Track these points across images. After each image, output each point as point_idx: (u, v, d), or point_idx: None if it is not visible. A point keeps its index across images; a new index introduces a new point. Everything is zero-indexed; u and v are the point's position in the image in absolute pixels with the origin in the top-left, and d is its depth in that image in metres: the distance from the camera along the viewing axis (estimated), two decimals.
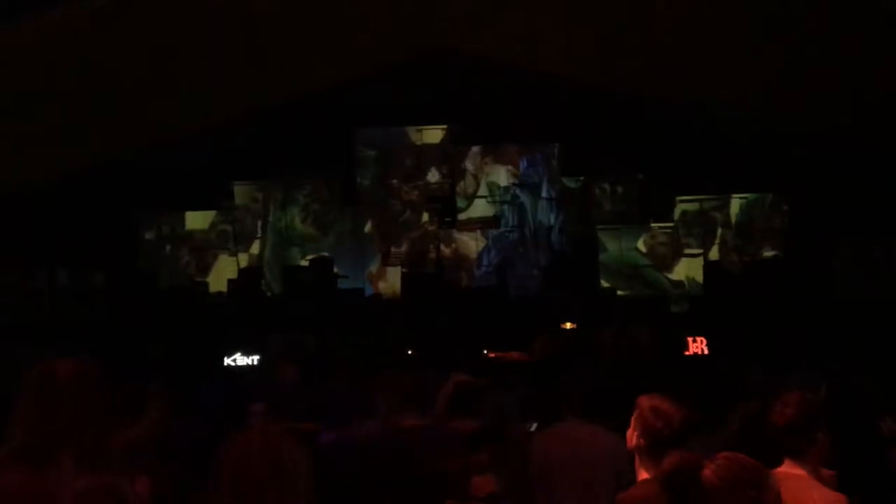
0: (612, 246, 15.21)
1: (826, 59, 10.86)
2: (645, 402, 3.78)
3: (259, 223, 15.54)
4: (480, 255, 15.64)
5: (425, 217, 15.74)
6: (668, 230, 15.27)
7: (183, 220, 15.43)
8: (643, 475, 3.71)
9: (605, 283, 14.97)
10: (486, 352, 11.67)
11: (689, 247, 15.21)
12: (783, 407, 3.51)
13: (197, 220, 15.49)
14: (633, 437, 3.77)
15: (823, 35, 10.36)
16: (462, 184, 15.85)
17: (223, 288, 14.73)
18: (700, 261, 15.00)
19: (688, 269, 15.07)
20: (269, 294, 14.80)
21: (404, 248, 15.69)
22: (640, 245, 15.21)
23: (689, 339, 12.10)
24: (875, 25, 9.86)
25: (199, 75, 11.70)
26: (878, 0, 9.59)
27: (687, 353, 12.05)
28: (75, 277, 13.50)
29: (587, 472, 4.35)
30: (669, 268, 15.17)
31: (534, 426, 5.93)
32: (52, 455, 2.50)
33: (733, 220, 15.26)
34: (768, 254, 15.01)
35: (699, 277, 14.64)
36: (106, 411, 2.62)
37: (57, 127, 11.18)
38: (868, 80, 10.90)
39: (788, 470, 3.37)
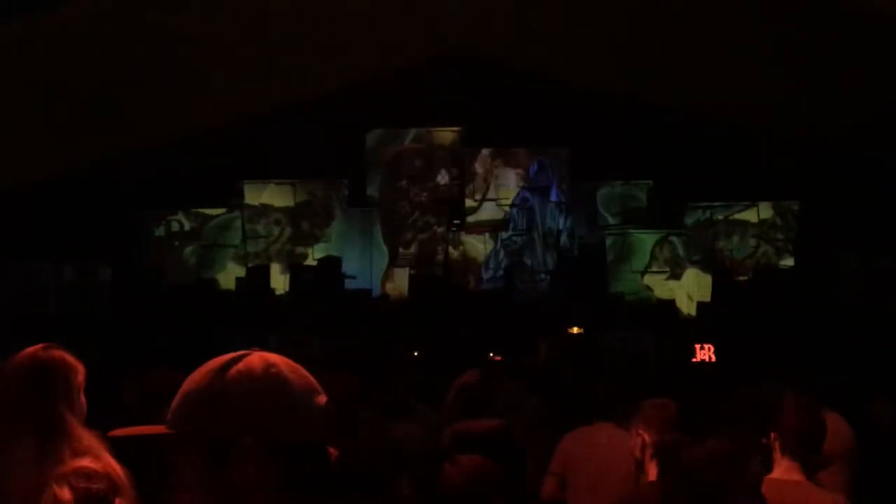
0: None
1: (836, 69, 10.83)
2: (646, 404, 3.80)
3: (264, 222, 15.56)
4: (488, 257, 15.62)
5: (434, 219, 15.73)
6: (678, 236, 15.24)
7: (192, 217, 15.45)
8: (651, 477, 3.74)
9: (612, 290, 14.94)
10: (491, 354, 11.66)
11: (698, 254, 15.17)
12: (798, 412, 3.50)
13: (206, 218, 15.51)
14: (638, 440, 3.81)
15: (832, 45, 10.33)
16: (471, 186, 15.83)
17: (231, 286, 14.75)
18: (708, 268, 14.96)
19: (696, 276, 15.03)
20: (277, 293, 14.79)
21: (412, 249, 15.69)
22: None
23: (697, 346, 12.06)
24: (883, 35, 9.82)
25: (210, 74, 11.72)
26: (887, 14, 9.55)
27: (694, 359, 12.01)
28: (81, 272, 13.52)
29: (600, 472, 4.39)
30: (678, 276, 15.14)
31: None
32: (12, 443, 2.50)
33: (743, 227, 15.22)
34: (777, 262, 14.97)
35: (708, 285, 14.58)
36: (65, 396, 2.60)
37: (65, 123, 11.21)
38: (877, 89, 10.87)
39: (786, 476, 3.37)
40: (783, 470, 3.38)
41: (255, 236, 15.51)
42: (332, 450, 1.46)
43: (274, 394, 1.42)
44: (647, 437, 3.80)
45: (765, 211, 15.17)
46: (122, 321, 12.67)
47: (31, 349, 2.69)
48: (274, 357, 1.47)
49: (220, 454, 1.39)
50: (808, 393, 3.71)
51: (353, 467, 3.41)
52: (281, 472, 1.40)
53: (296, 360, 1.54)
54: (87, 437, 2.52)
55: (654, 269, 15.19)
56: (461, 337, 12.06)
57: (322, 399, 1.47)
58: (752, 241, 15.17)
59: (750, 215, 15.24)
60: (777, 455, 3.39)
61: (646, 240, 15.24)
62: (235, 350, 1.52)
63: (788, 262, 14.90)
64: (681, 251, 15.23)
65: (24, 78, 10.00)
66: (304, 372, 1.48)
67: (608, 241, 15.27)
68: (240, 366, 1.43)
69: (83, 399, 2.69)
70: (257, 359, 1.45)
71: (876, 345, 10.48)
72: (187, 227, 15.42)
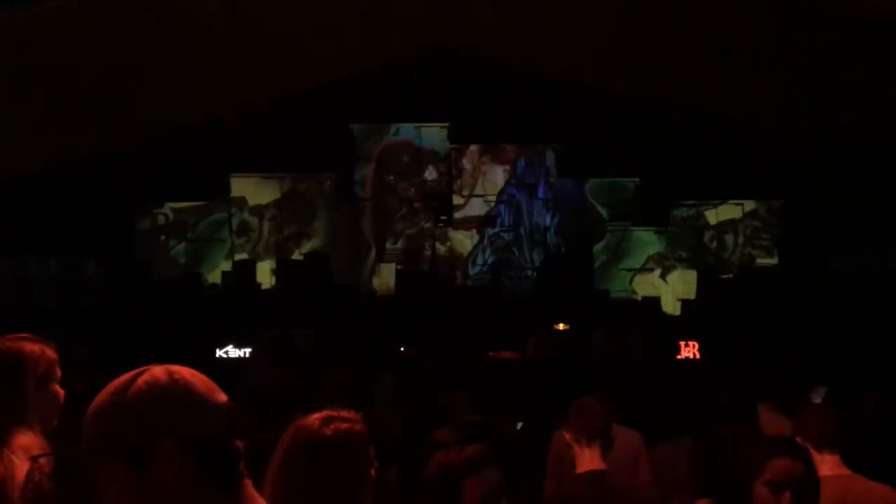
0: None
1: (825, 68, 10.89)
2: (574, 403, 4.08)
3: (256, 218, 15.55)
4: (475, 253, 15.65)
5: (421, 215, 15.75)
6: (665, 234, 15.31)
7: (178, 211, 15.42)
8: (582, 467, 3.93)
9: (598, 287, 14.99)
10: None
11: (684, 251, 15.24)
12: (822, 413, 3.69)
13: (192, 211, 15.48)
14: (568, 434, 4.03)
15: (821, 43, 10.39)
16: (459, 182, 15.86)
17: (217, 280, 14.73)
18: (693, 266, 15.02)
19: (682, 275, 15.09)
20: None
21: (400, 244, 15.70)
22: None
23: (682, 343, 12.12)
24: (869, 34, 9.89)
25: (200, 68, 11.68)
26: (875, 13, 9.62)
27: (679, 356, 12.07)
28: (67, 266, 13.48)
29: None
30: (668, 272, 15.20)
31: (520, 425, 5.96)
32: None
33: (728, 225, 15.29)
34: (763, 260, 15.05)
35: (693, 283, 14.65)
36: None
37: (52, 116, 11.16)
38: (865, 89, 10.93)
39: (836, 472, 3.49)
40: (827, 467, 3.50)
41: (241, 230, 15.49)
42: (238, 443, 1.60)
43: (181, 396, 1.56)
44: (567, 436, 3.97)
45: (750, 209, 15.25)
46: (108, 315, 12.63)
47: None
48: (173, 367, 1.60)
49: (140, 460, 1.51)
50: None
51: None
52: (198, 468, 1.54)
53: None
54: (24, 438, 2.53)
55: (645, 266, 15.28)
56: (448, 332, 12.07)
57: (223, 397, 1.60)
58: (738, 239, 15.25)
59: (735, 213, 15.31)
60: (815, 454, 3.52)
61: (643, 237, 15.28)
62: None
63: (773, 259, 14.98)
64: (667, 249, 15.30)
65: (10, 73, 9.96)
66: (202, 376, 1.62)
67: (606, 237, 15.32)
68: (144, 377, 1.57)
69: (54, 388, 2.69)
70: (159, 369, 1.59)
71: (863, 341, 10.57)
72: (173, 219, 15.38)
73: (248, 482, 1.62)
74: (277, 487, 2.21)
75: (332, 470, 2.30)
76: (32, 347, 2.70)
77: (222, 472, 1.57)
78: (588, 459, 3.89)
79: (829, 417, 3.66)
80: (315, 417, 2.38)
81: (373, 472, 2.39)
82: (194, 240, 15.37)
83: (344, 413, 2.42)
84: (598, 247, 15.35)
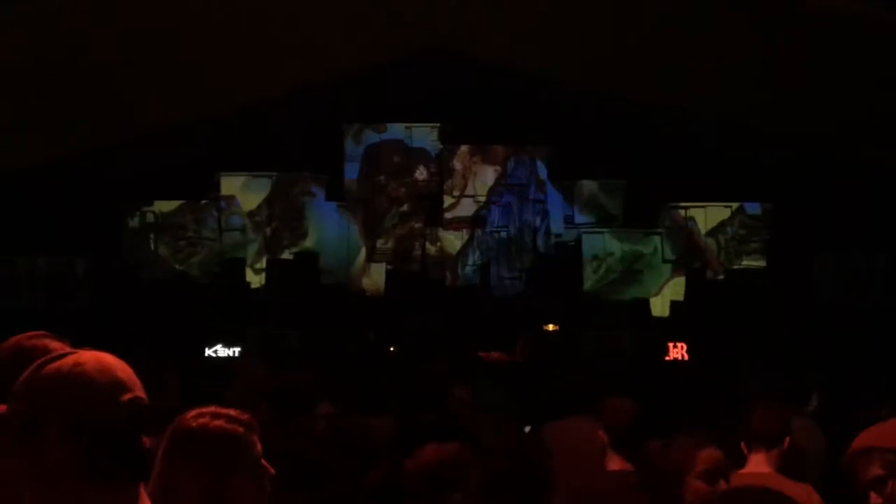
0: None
1: (815, 69, 10.93)
2: (607, 403, 4.14)
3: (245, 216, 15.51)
4: (465, 254, 15.66)
5: (412, 215, 15.74)
6: (653, 236, 15.33)
7: (168, 209, 15.35)
8: (612, 466, 3.99)
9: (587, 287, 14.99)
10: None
11: (674, 253, 15.26)
12: (766, 413, 3.79)
13: (182, 210, 15.41)
14: (601, 434, 4.07)
15: (812, 46, 10.43)
16: (450, 183, 15.86)
17: (206, 279, 14.69)
18: (683, 269, 15.04)
19: (671, 277, 15.13)
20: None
21: (390, 244, 15.69)
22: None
23: (670, 344, 12.17)
24: (857, 38, 9.95)
25: (189, 67, 11.66)
26: (861, 15, 9.67)
27: (667, 357, 12.12)
28: (55, 265, 13.43)
29: (572, 467, 4.46)
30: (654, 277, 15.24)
31: (527, 428, 5.99)
32: None
33: (717, 228, 15.32)
34: (751, 262, 15.08)
35: (682, 284, 14.67)
36: None
37: (40, 114, 11.11)
38: (854, 91, 10.98)
39: (757, 469, 3.61)
40: (752, 464, 3.62)
41: (230, 229, 15.43)
42: (145, 440, 1.68)
43: (76, 385, 1.66)
44: (604, 438, 4.01)
45: (739, 211, 15.29)
46: (97, 314, 12.60)
47: (16, 337, 2.70)
48: (88, 356, 1.72)
49: (27, 433, 1.63)
50: (773, 397, 4.05)
51: (308, 459, 3.46)
52: (81, 455, 1.62)
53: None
54: None
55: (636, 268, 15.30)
56: (438, 333, 12.08)
57: (128, 396, 1.68)
58: (727, 241, 15.28)
59: (724, 215, 15.34)
60: (747, 453, 3.67)
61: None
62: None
63: (762, 262, 15.02)
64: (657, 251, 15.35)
65: (2, 70, 9.92)
66: (116, 373, 1.70)
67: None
68: (56, 362, 1.70)
69: None
70: (72, 357, 1.71)
71: (851, 343, 10.63)
72: (161, 218, 15.30)
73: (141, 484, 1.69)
74: (154, 474, 2.21)
75: (188, 462, 2.25)
76: (55, 345, 2.73)
77: (111, 466, 1.64)
78: (619, 459, 3.95)
79: (764, 418, 3.77)
80: (195, 411, 2.36)
81: (264, 480, 2.30)
82: (183, 238, 15.30)
83: (232, 412, 2.36)
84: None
